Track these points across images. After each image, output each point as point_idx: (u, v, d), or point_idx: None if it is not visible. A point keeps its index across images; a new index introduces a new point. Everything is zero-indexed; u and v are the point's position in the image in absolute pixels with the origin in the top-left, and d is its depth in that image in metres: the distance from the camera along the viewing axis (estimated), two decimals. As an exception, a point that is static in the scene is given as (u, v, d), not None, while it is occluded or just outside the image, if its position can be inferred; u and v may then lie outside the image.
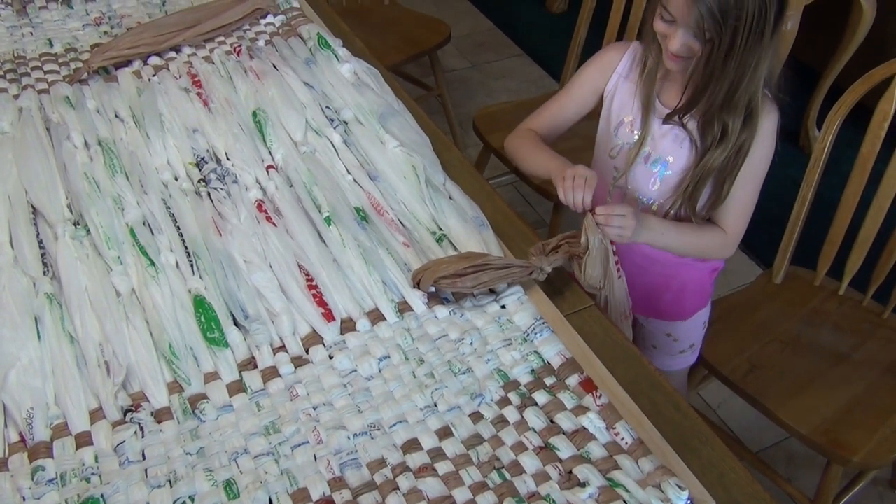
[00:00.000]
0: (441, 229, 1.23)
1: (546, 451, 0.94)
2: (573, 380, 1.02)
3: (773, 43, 1.15)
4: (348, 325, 1.10)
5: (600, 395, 1.00)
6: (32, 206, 1.25)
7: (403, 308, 1.12)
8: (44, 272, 1.15)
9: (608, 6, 2.05)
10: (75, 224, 1.21)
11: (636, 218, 1.18)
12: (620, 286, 1.25)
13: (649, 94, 1.28)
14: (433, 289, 1.13)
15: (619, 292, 1.26)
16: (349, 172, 1.32)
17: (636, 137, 1.31)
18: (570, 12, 3.50)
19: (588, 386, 1.01)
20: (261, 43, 1.63)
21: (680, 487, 0.89)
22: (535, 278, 1.14)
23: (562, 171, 1.20)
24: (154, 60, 1.57)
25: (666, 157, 1.30)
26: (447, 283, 1.09)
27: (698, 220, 1.33)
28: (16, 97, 1.47)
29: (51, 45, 1.63)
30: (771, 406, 1.45)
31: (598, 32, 2.11)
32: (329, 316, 1.10)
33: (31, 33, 1.67)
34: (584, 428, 0.96)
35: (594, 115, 1.43)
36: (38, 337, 1.06)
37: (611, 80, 1.36)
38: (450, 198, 1.28)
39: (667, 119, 1.27)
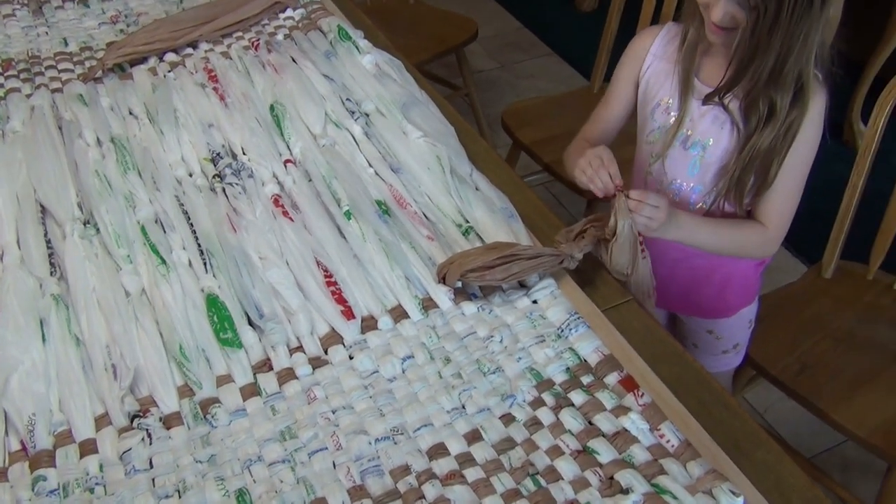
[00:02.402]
0: (467, 221, 1.16)
1: (584, 456, 0.86)
2: (612, 378, 0.95)
3: (824, 13, 1.06)
4: (369, 324, 1.03)
5: (642, 393, 0.92)
6: (41, 205, 1.20)
7: (428, 305, 1.05)
8: (51, 273, 1.10)
9: (639, 2, 1.97)
10: (85, 223, 1.16)
11: (668, 213, 1.10)
12: (645, 265, 1.15)
13: (688, 70, 1.20)
14: (459, 283, 1.06)
15: (644, 271, 1.15)
16: (370, 165, 1.26)
17: (673, 119, 1.23)
18: (599, 10, 3.42)
19: (629, 384, 0.93)
20: (279, 37, 1.58)
21: (734, 493, 0.81)
22: (566, 266, 1.06)
23: (577, 163, 1.14)
24: (170, 57, 1.53)
25: (706, 140, 1.21)
26: (475, 276, 1.02)
27: (742, 213, 1.24)
28: (28, 96, 1.43)
29: (66, 44, 1.59)
30: (825, 407, 1.35)
31: (629, 29, 2.03)
32: (349, 314, 1.03)
33: (47, 33, 1.63)
34: (626, 429, 0.88)
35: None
36: (43, 340, 1.01)
37: (645, 62, 1.28)
38: (476, 189, 1.21)
39: (707, 99, 1.18)
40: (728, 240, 1.23)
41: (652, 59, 1.27)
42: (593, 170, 1.11)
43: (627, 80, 1.32)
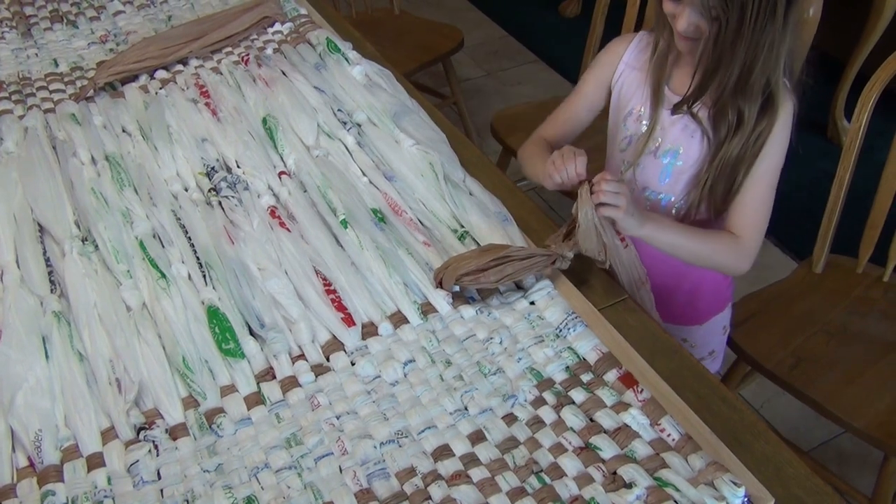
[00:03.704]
0: (463, 226, 1.18)
1: (587, 452, 0.88)
2: (611, 375, 0.96)
3: (790, 24, 1.08)
4: (370, 330, 1.04)
5: (641, 389, 0.93)
6: (39, 224, 1.21)
7: (427, 309, 1.07)
8: (51, 290, 1.11)
9: (622, 6, 1.99)
10: (83, 240, 1.17)
11: (630, 200, 1.07)
12: (628, 254, 1.14)
13: (659, 80, 1.22)
14: (457, 287, 1.07)
15: (628, 259, 1.14)
16: (364, 174, 1.27)
17: (644, 128, 1.25)
18: (583, 15, 3.45)
19: (628, 381, 0.95)
20: (269, 51, 1.59)
21: (735, 484, 0.82)
22: (559, 266, 1.08)
23: (548, 161, 1.13)
24: (161, 74, 1.54)
25: (676, 148, 1.22)
26: (470, 279, 1.03)
27: (714, 221, 1.25)
28: (21, 117, 1.44)
29: (56, 65, 1.60)
30: (821, 400, 1.37)
31: (613, 33, 2.04)
32: (349, 321, 1.04)
33: (37, 54, 1.64)
34: (627, 425, 0.90)
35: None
36: (46, 357, 1.02)
37: (617, 69, 1.30)
38: (470, 194, 1.23)
39: (676, 109, 1.19)
40: (699, 244, 1.19)
41: (624, 67, 1.29)
42: (562, 162, 1.10)
43: (598, 83, 1.33)
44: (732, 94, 1.12)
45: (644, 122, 1.25)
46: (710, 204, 1.23)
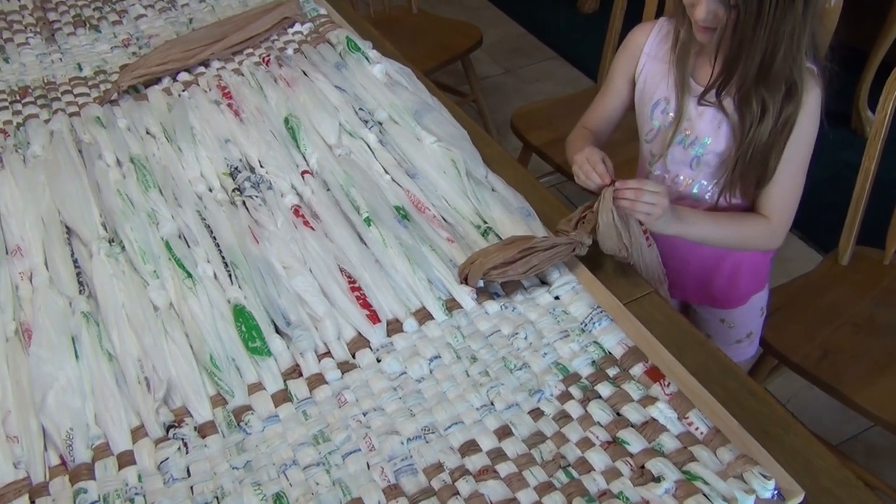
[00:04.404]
0: (486, 222, 1.18)
1: (615, 446, 0.87)
2: (638, 369, 0.96)
3: (811, 11, 1.07)
4: (395, 327, 1.05)
5: (668, 383, 0.93)
6: (66, 227, 1.22)
7: (451, 305, 1.07)
8: (79, 291, 1.12)
9: (641, 0, 1.98)
10: (110, 241, 1.18)
11: (666, 207, 1.09)
12: (651, 253, 1.16)
13: (683, 71, 1.21)
14: (481, 283, 1.07)
15: (650, 258, 1.15)
16: (387, 172, 1.27)
17: (671, 119, 1.24)
18: (601, 10, 3.43)
19: (654, 375, 0.94)
20: (289, 51, 1.60)
21: (765, 477, 0.81)
22: (578, 253, 1.08)
23: (574, 160, 1.15)
24: (183, 76, 1.55)
25: (704, 139, 1.22)
26: (497, 272, 1.03)
27: (749, 204, 1.25)
28: (47, 121, 1.45)
29: (80, 69, 1.62)
30: (849, 393, 1.36)
31: (633, 27, 2.03)
32: (374, 318, 1.05)
33: (61, 59, 1.65)
34: (654, 419, 0.89)
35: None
36: (76, 356, 1.03)
37: (640, 61, 1.29)
38: (493, 190, 1.23)
39: (701, 99, 1.19)
40: (730, 232, 1.23)
41: (646, 58, 1.28)
42: (585, 172, 1.12)
43: (623, 75, 1.34)
44: (755, 82, 1.12)
45: (670, 114, 1.25)
46: (743, 190, 1.23)
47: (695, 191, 1.27)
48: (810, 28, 1.09)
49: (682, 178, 1.27)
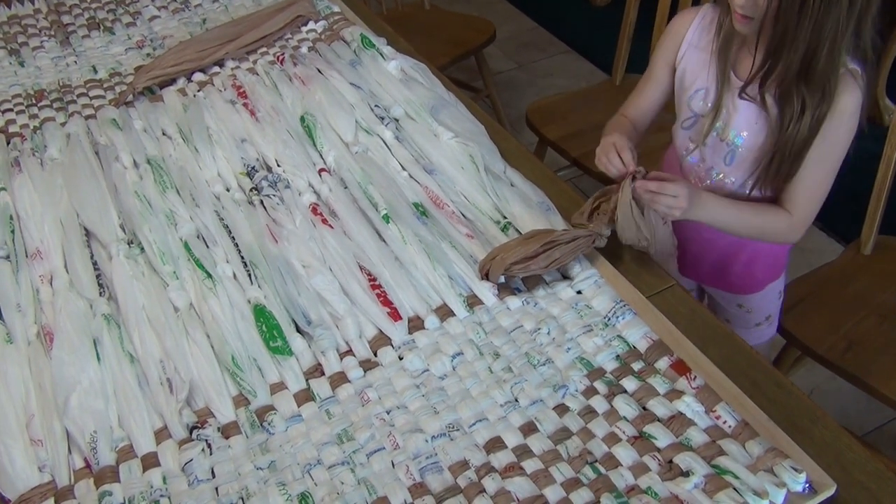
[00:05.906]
0: (505, 217, 1.17)
1: (642, 441, 0.87)
2: (663, 363, 0.95)
3: (857, 9, 1.04)
4: (416, 324, 1.04)
5: (694, 377, 0.92)
6: (85, 229, 1.22)
7: (473, 302, 1.06)
8: (100, 293, 1.12)
9: (655, -9, 1.97)
10: (129, 243, 1.18)
11: (689, 200, 1.08)
12: (665, 230, 1.15)
13: (724, 63, 1.19)
14: (503, 278, 1.06)
15: (663, 235, 1.15)
16: (404, 168, 1.27)
17: (709, 109, 1.23)
18: (614, 3, 3.41)
19: (680, 368, 0.93)
20: (304, 50, 1.59)
21: (796, 470, 0.80)
22: (598, 245, 1.07)
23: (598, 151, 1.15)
24: (198, 76, 1.55)
25: (741, 132, 1.21)
26: (519, 267, 1.02)
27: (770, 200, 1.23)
28: (63, 124, 1.45)
29: (95, 71, 1.62)
30: (875, 383, 1.34)
31: (647, 19, 2.02)
32: (395, 315, 1.04)
33: (76, 62, 1.66)
34: (681, 413, 0.88)
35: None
36: (98, 359, 1.03)
37: (681, 49, 1.27)
38: (511, 185, 1.22)
39: (742, 91, 1.17)
40: (750, 224, 1.22)
41: (687, 46, 1.26)
42: (608, 156, 1.11)
43: (664, 62, 1.31)
44: (796, 78, 1.10)
45: (709, 104, 1.23)
46: (775, 185, 1.21)
47: (727, 183, 1.25)
48: (855, 27, 1.06)
49: (715, 170, 1.26)
